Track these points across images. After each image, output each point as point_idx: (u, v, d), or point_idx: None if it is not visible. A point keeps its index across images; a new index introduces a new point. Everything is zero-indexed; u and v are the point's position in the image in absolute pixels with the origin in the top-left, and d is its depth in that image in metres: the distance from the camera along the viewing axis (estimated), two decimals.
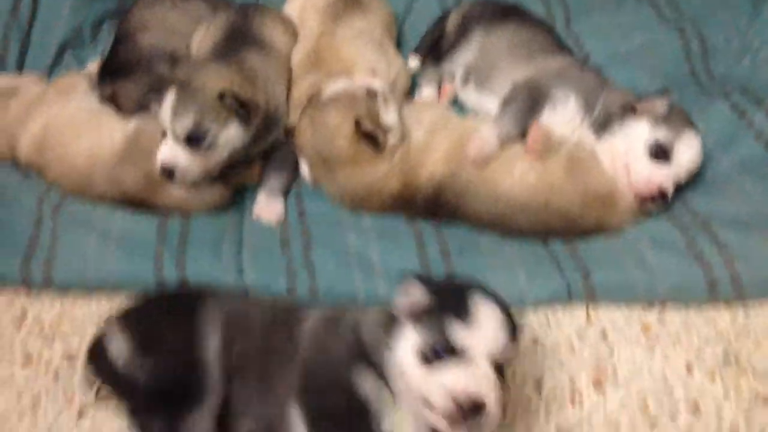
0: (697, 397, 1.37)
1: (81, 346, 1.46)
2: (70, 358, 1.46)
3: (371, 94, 1.67)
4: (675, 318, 1.52)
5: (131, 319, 1.33)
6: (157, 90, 1.62)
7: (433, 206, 1.66)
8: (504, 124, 1.68)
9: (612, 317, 1.53)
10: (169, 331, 1.28)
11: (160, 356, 1.26)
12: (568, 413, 1.35)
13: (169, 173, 1.58)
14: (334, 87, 1.71)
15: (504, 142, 1.65)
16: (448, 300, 1.15)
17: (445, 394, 1.09)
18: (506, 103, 1.73)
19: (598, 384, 1.40)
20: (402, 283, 1.19)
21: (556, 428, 1.33)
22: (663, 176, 1.62)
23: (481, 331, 1.12)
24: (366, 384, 1.18)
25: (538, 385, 1.40)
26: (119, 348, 1.28)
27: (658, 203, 1.63)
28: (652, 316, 1.52)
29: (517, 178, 1.63)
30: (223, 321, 1.29)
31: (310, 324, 1.28)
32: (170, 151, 1.58)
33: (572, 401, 1.37)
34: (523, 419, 1.34)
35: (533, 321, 1.52)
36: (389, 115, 1.67)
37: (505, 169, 1.64)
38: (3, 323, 1.54)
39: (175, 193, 1.64)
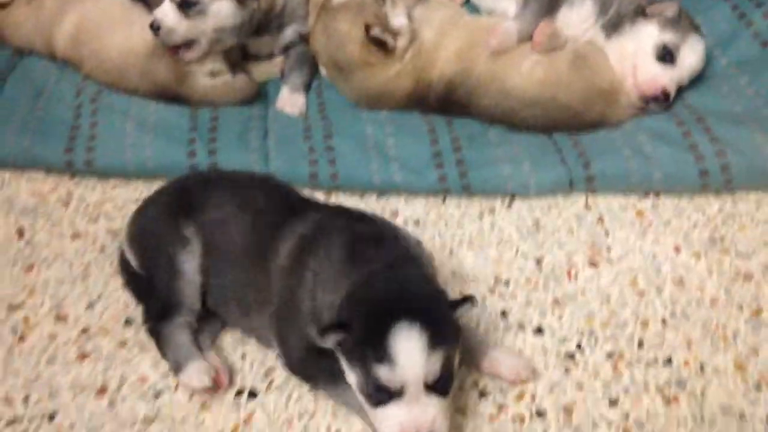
0: (682, 274, 1.51)
1: (122, 224, 1.60)
2: (113, 233, 1.60)
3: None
4: (667, 205, 1.65)
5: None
6: None
7: (444, 103, 1.78)
8: (525, 20, 1.77)
9: (609, 204, 1.66)
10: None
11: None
12: (566, 286, 1.49)
13: (156, 28, 1.72)
14: None
15: (522, 38, 1.75)
16: (369, 340, 1.13)
17: None
18: (526, 1, 1.81)
19: (593, 262, 1.54)
20: (324, 329, 1.16)
21: (554, 299, 1.47)
22: (667, 78, 1.72)
23: (405, 369, 1.11)
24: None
25: (539, 262, 1.54)
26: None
27: (661, 104, 1.73)
28: (646, 204, 1.65)
29: (526, 74, 1.74)
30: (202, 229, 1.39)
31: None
32: (162, 10, 1.73)
33: (569, 276, 1.52)
34: (524, 291, 1.49)
35: (536, 206, 1.66)
36: (398, 19, 1.76)
37: (514, 66, 1.75)
38: (51, 203, 1.69)
39: (203, 84, 1.76)
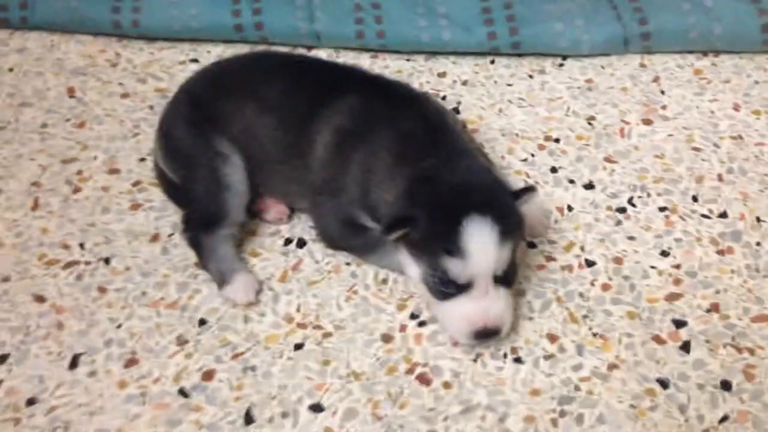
0: (741, 130, 1.46)
1: (170, 85, 1.60)
2: (161, 93, 1.60)
3: None
4: (727, 64, 1.59)
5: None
6: None
7: None
8: None
9: (665, 64, 1.61)
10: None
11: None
12: (618, 143, 1.46)
13: None
14: None
15: None
16: (438, 234, 1.10)
17: (459, 329, 1.13)
18: None
19: (647, 120, 1.50)
20: (389, 225, 1.12)
21: (605, 156, 1.44)
22: None
23: (477, 262, 1.09)
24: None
25: (591, 121, 1.51)
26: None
27: None
28: (705, 62, 1.60)
29: None
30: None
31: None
32: None
33: (621, 133, 1.48)
34: (575, 147, 1.46)
35: (588, 66, 1.61)
36: None
37: None
38: (100, 64, 1.69)
39: None
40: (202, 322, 1.23)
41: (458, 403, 1.11)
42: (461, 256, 1.08)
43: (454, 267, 1.10)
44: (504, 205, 1.13)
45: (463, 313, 1.13)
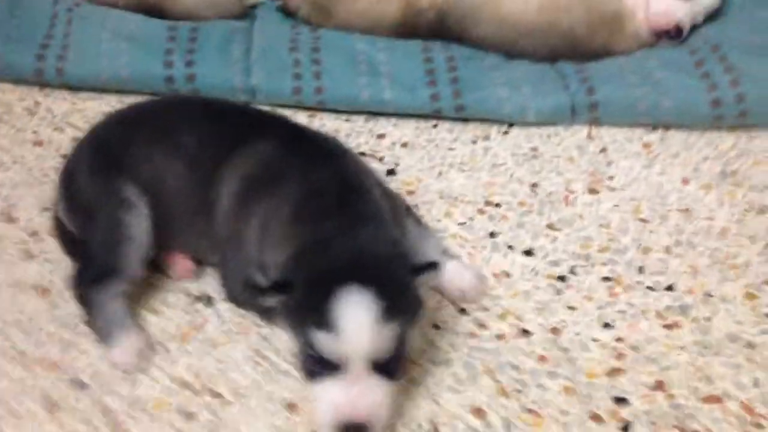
0: (690, 204, 1.38)
1: None
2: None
3: None
4: (677, 138, 1.52)
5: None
6: None
7: (437, 33, 1.66)
8: None
9: (614, 135, 1.53)
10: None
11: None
12: (562, 211, 1.37)
13: None
14: None
15: None
16: (311, 303, 0.96)
17: (323, 417, 0.98)
18: None
19: (593, 189, 1.41)
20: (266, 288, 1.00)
21: (548, 223, 1.34)
22: (682, 12, 1.60)
23: (349, 340, 0.94)
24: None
25: (534, 187, 1.42)
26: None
27: (673, 40, 1.61)
28: (654, 136, 1.53)
29: None
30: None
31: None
32: None
33: (566, 201, 1.39)
34: (516, 213, 1.36)
35: (534, 135, 1.54)
36: None
37: None
38: (16, 112, 1.59)
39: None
40: (84, 385, 1.08)
41: None
42: (331, 330, 0.93)
43: (322, 342, 0.94)
44: (395, 281, 0.98)
45: (329, 398, 0.97)
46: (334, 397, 0.96)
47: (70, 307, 1.18)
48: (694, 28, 1.65)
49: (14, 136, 1.52)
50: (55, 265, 1.25)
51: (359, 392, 0.96)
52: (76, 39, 1.62)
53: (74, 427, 1.03)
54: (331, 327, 0.93)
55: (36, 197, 1.38)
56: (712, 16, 1.67)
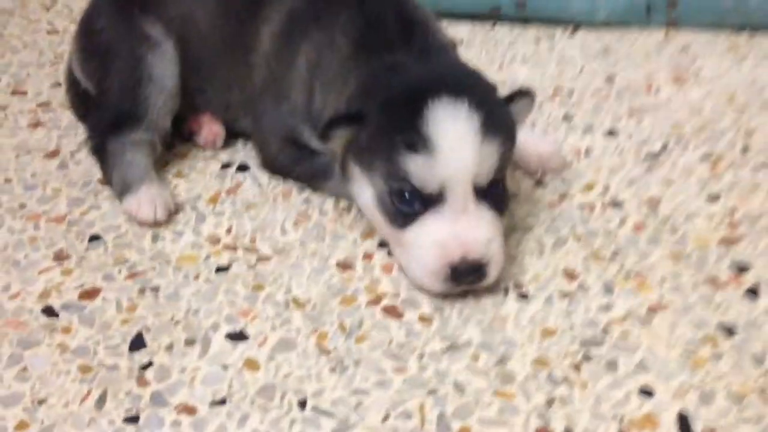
0: None
1: None
2: None
3: None
4: (766, 41, 1.35)
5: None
6: None
7: None
8: None
9: (696, 37, 1.37)
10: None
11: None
12: (644, 98, 1.20)
13: None
14: None
15: None
16: (395, 125, 0.79)
17: (426, 265, 0.79)
18: None
19: (678, 80, 1.24)
20: (326, 126, 0.83)
21: (629, 108, 1.17)
22: None
23: (450, 160, 0.77)
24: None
25: (610, 79, 1.25)
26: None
27: None
28: (741, 38, 1.36)
29: None
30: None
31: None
32: None
33: (649, 90, 1.22)
34: (592, 100, 1.19)
35: (604, 35, 1.37)
36: None
37: None
38: (31, 7, 1.46)
39: None
40: (95, 238, 0.91)
41: (440, 339, 0.77)
42: (427, 150, 0.76)
43: (417, 168, 0.77)
44: (488, 92, 0.83)
45: (431, 239, 0.78)
46: (437, 236, 0.78)
47: (80, 169, 1.02)
48: None
49: (27, 26, 1.39)
50: (65, 132, 1.09)
51: (467, 225, 0.78)
52: None
53: (88, 276, 0.85)
54: (427, 146, 0.76)
55: (47, 75, 1.23)
56: None
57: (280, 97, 0.96)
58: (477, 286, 0.80)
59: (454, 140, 0.76)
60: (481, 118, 0.78)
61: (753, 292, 0.84)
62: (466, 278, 0.79)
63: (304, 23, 0.96)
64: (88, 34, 1.06)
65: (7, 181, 1.00)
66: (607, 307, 0.81)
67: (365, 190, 0.83)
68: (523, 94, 0.86)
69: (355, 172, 0.84)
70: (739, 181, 1.01)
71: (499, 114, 0.82)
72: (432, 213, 0.79)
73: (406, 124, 0.77)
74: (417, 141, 0.76)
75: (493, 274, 0.80)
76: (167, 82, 1.00)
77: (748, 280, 0.85)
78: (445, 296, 0.81)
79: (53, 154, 1.05)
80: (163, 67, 1.00)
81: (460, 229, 0.78)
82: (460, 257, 0.77)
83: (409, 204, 0.79)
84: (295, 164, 0.97)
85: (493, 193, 0.81)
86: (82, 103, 1.09)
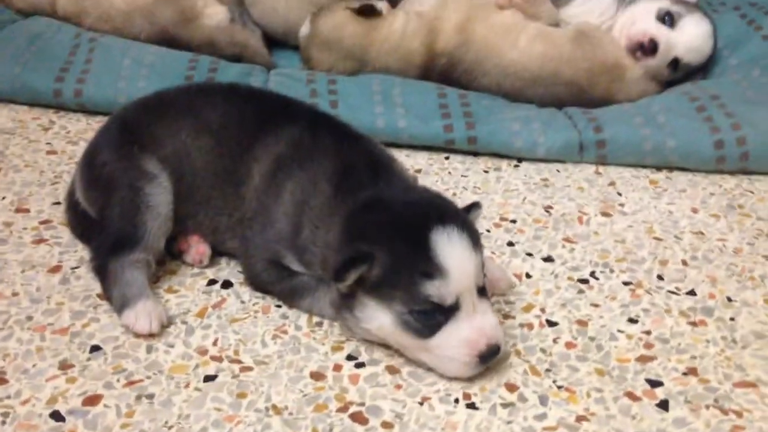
0: (701, 228, 1.40)
1: None
2: None
3: None
4: (682, 178, 1.56)
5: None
6: None
7: (448, 79, 1.72)
8: None
9: (621, 173, 1.57)
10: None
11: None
12: (577, 228, 1.38)
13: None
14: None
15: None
16: (407, 260, 0.96)
17: (461, 359, 0.98)
18: None
19: (605, 213, 1.43)
20: (340, 269, 0.98)
21: (564, 237, 1.35)
22: (659, 33, 1.69)
23: (460, 277, 0.96)
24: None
25: (548, 210, 1.43)
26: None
27: (648, 56, 1.68)
28: (660, 175, 1.57)
29: (524, 49, 1.68)
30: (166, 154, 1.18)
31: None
32: None
33: (580, 221, 1.40)
34: (532, 228, 1.37)
35: (544, 169, 1.57)
36: None
37: (511, 41, 1.69)
38: (31, 128, 1.59)
39: (208, 26, 1.72)
40: (95, 348, 1.03)
41: None
42: (441, 274, 0.95)
43: (436, 290, 0.95)
44: (460, 212, 1.04)
45: (460, 338, 0.97)
46: (462, 336, 0.97)
47: (81, 284, 1.15)
48: (689, 78, 1.73)
49: (27, 146, 1.51)
50: (66, 248, 1.22)
51: (481, 319, 0.98)
52: (97, 64, 1.65)
53: (90, 384, 0.97)
54: (441, 271, 0.95)
55: (48, 194, 1.36)
56: (708, 76, 1.75)
57: (267, 225, 1.12)
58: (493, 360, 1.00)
59: (459, 261, 0.97)
60: (468, 235, 0.99)
61: (664, 405, 0.99)
62: (491, 358, 0.99)
63: (290, 167, 1.13)
64: (91, 167, 1.20)
65: (15, 294, 1.12)
66: (541, 417, 0.96)
67: (380, 316, 1.00)
68: (476, 206, 1.08)
69: (367, 303, 1.00)
70: (654, 306, 1.18)
71: (472, 226, 1.03)
72: (452, 320, 0.97)
73: (419, 258, 0.96)
74: (433, 270, 0.95)
75: (503, 349, 1.00)
76: (162, 210, 1.14)
77: (660, 394, 1.01)
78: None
79: (56, 269, 1.17)
80: (159, 197, 1.14)
81: (477, 324, 0.98)
82: (486, 346, 0.98)
83: (432, 318, 0.98)
84: (277, 283, 1.12)
85: (483, 287, 1.01)
86: (80, 223, 1.23)
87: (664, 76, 1.72)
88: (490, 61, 1.68)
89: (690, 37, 1.70)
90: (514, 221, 1.39)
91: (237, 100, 1.24)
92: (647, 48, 1.67)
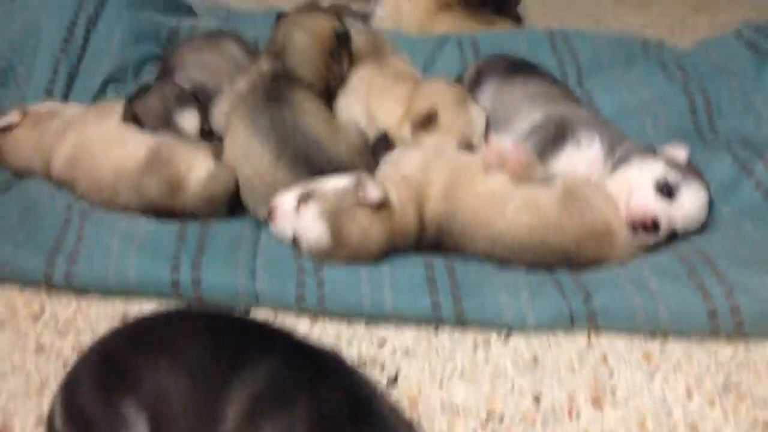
0: (696, 420, 1.37)
1: (93, 338, 1.50)
2: (80, 350, 1.49)
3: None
4: (676, 348, 1.53)
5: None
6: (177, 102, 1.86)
7: (437, 247, 1.70)
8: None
9: (613, 344, 1.54)
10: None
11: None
12: (566, 426, 1.36)
13: None
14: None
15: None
16: None
17: None
18: (531, 132, 1.80)
19: (596, 402, 1.41)
20: None
21: None
22: (660, 209, 1.64)
23: None
24: None
25: (537, 399, 1.41)
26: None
27: (649, 233, 1.64)
28: (653, 346, 1.54)
29: (511, 219, 1.64)
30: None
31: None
32: None
33: (570, 415, 1.38)
34: (520, 427, 1.35)
35: (534, 342, 1.55)
36: (372, 193, 1.62)
37: (498, 211, 1.66)
38: (21, 317, 1.60)
39: (193, 191, 1.74)
40: None
41: None
42: None
43: None
44: None
45: None
46: None
47: None
48: (681, 236, 1.70)
49: (16, 342, 1.52)
50: None
51: None
52: (87, 244, 1.65)
53: None
54: None
55: (32, 410, 1.37)
56: (699, 229, 1.72)
57: None
58: None
59: None
60: None
61: None
62: None
63: (265, 409, 1.12)
64: (72, 403, 1.20)
65: None
66: None
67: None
68: None
69: None
70: None
71: None
72: None
73: None
74: None
75: None
76: None
77: None
78: None
79: None
80: None
81: None
82: None
83: None
84: None
85: None
86: None
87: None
88: (478, 231, 1.66)
89: (689, 211, 1.67)
90: (501, 419, 1.37)
91: (214, 329, 1.24)
92: (650, 228, 1.63)
